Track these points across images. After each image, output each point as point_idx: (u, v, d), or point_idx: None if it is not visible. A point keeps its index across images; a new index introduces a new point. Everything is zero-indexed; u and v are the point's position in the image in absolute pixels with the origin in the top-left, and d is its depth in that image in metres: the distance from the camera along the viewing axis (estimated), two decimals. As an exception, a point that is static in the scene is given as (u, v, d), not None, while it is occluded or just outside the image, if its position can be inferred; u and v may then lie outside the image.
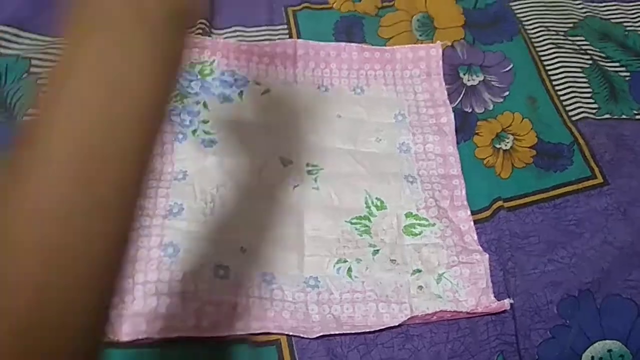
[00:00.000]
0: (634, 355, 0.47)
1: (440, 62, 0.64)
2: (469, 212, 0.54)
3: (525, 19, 0.70)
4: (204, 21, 0.64)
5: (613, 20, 0.72)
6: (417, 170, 0.57)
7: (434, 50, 0.65)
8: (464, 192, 0.55)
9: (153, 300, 0.45)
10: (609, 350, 0.47)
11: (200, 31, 0.63)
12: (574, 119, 0.61)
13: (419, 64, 0.64)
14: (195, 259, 0.48)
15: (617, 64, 0.67)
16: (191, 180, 0.52)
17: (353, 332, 0.46)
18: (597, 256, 0.51)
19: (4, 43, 0.60)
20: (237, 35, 0.65)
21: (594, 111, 0.62)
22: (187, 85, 0.58)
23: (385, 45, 0.66)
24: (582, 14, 0.72)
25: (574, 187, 0.56)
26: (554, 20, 0.71)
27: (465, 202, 0.55)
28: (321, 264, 0.50)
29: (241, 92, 0.59)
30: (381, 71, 0.64)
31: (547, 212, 0.54)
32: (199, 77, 0.59)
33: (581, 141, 0.59)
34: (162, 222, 0.50)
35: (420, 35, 0.67)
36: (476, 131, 0.60)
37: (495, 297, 0.49)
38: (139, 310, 0.45)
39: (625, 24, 0.71)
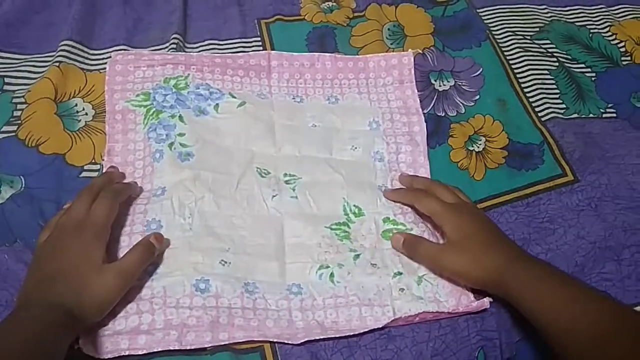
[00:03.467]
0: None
1: (413, 70, 0.65)
2: None
3: (492, 24, 0.72)
4: (176, 36, 0.64)
5: (577, 24, 0.74)
6: (390, 180, 0.57)
7: (406, 59, 0.66)
8: None
9: (135, 319, 0.45)
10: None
11: (174, 46, 0.64)
12: (543, 119, 0.63)
13: (391, 72, 0.65)
14: (175, 274, 0.48)
15: (582, 65, 0.69)
16: (169, 195, 0.52)
17: (337, 336, 0.47)
18: (571, 251, 0.53)
19: (-24, 63, 0.60)
20: (211, 49, 0.65)
21: (562, 111, 0.64)
22: (162, 100, 0.58)
23: (357, 54, 0.67)
24: (547, 19, 0.74)
25: (546, 185, 0.57)
26: (521, 25, 0.73)
27: None
28: (303, 270, 0.51)
29: (217, 104, 0.59)
30: (355, 80, 0.65)
31: (521, 211, 0.56)
32: (174, 90, 0.59)
33: (551, 140, 0.61)
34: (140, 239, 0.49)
35: (392, 44, 0.69)
36: (450, 134, 0.61)
37: (474, 295, 0.50)
38: (120, 329, 0.45)
39: (589, 27, 0.74)
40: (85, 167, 0.54)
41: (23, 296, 0.43)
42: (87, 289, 0.43)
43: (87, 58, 0.62)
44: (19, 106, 0.57)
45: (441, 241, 0.53)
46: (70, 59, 0.61)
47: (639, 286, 0.51)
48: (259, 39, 0.67)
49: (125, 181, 0.53)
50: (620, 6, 0.77)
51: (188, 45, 0.66)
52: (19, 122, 0.56)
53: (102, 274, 0.44)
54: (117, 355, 0.44)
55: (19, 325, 0.39)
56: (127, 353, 0.44)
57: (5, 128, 0.55)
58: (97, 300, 0.43)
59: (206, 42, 0.66)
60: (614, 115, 0.65)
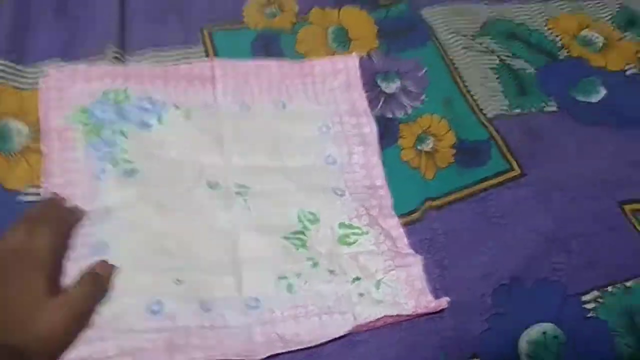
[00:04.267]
0: (566, 335, 0.49)
1: (358, 73, 0.65)
2: (396, 220, 0.55)
3: (435, 25, 0.73)
4: (115, 48, 0.62)
5: (516, 21, 0.76)
6: (345, 182, 0.57)
7: (351, 62, 0.66)
8: (389, 202, 0.56)
9: (85, 349, 0.43)
10: (544, 333, 0.49)
11: (113, 58, 0.61)
12: (488, 116, 0.64)
13: (338, 75, 0.65)
14: (126, 298, 0.46)
15: (523, 61, 0.71)
16: (115, 214, 0.50)
17: (300, 348, 0.46)
18: (523, 244, 0.54)
19: None
20: (152, 59, 0.63)
21: (506, 107, 0.65)
22: (101, 115, 0.56)
23: (303, 58, 0.66)
24: (488, 17, 0.75)
25: (494, 180, 0.58)
26: (462, 24, 0.74)
27: (392, 212, 0.56)
28: (260, 283, 0.49)
29: (160, 116, 0.57)
30: (301, 85, 0.64)
31: (473, 207, 0.56)
32: (113, 104, 0.57)
33: (497, 136, 0.62)
34: (87, 263, 0.47)
35: (337, 47, 0.68)
36: (399, 135, 0.61)
37: (432, 295, 0.50)
38: (71, 359, 0.42)
39: (528, 23, 0.76)
40: (25, 192, 0.51)
41: None
42: (31, 325, 0.40)
43: (20, 75, 0.59)
44: (-53, 130, 0.54)
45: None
46: (1, 77, 0.57)
47: (588, 274, 0.53)
48: (202, 47, 0.66)
49: (67, 204, 0.51)
50: (555, 1, 0.79)
51: (128, 57, 0.63)
52: (-52, 147, 0.52)
53: (46, 308, 0.41)
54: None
55: None
56: (80, 383, 0.42)
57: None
58: (42, 336, 0.40)
59: (147, 53, 0.64)
60: (556, 108, 0.66)
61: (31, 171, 0.53)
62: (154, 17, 0.68)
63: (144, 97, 0.58)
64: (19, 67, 0.60)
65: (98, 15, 0.66)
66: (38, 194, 0.51)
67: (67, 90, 0.57)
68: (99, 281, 0.45)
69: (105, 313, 0.45)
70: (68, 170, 0.53)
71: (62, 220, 0.47)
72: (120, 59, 0.62)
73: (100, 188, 0.52)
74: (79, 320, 0.43)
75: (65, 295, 0.43)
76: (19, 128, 0.55)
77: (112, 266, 0.47)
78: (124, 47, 0.64)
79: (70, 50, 0.62)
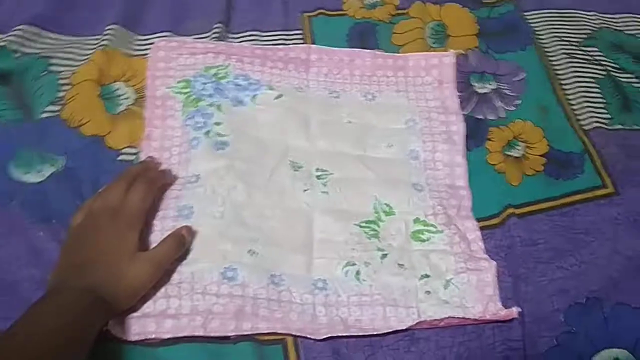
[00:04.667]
0: (641, 365, 0.47)
1: (453, 71, 0.64)
2: (474, 222, 0.54)
3: (538, 28, 0.71)
4: (219, 25, 0.65)
5: (627, 32, 0.72)
6: (425, 178, 0.57)
7: (448, 59, 0.65)
8: (469, 203, 0.55)
9: (162, 302, 0.46)
10: (616, 359, 0.47)
11: (217, 35, 0.64)
12: (585, 128, 0.61)
13: (431, 71, 0.65)
14: (204, 261, 0.48)
15: (630, 75, 0.67)
16: (203, 182, 0.53)
17: (360, 334, 0.46)
18: (606, 265, 0.51)
19: (25, 42, 0.62)
20: (252, 40, 0.66)
21: (606, 121, 0.62)
22: (201, 88, 0.59)
23: (398, 52, 0.66)
24: (596, 25, 0.72)
25: (584, 195, 0.56)
26: (568, 31, 0.71)
27: (471, 214, 0.55)
28: (329, 266, 0.51)
29: (254, 96, 0.60)
30: (393, 78, 0.64)
31: (556, 220, 0.54)
32: (213, 80, 0.60)
33: (592, 150, 0.59)
34: (172, 225, 0.50)
35: (434, 43, 0.68)
36: (488, 137, 0.60)
37: (502, 303, 0.49)
38: (148, 312, 0.46)
39: (639, 36, 0.71)
40: (124, 151, 0.56)
41: (55, 280, 0.43)
42: (121, 276, 0.43)
43: (132, 43, 0.64)
44: (63, 87, 0.58)
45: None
46: (115, 43, 0.62)
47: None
48: (300, 32, 0.68)
49: (161, 167, 0.54)
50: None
51: (230, 35, 0.66)
52: (63, 102, 0.57)
53: (135, 262, 0.44)
54: (143, 338, 0.44)
55: (53, 311, 0.39)
56: (153, 336, 0.44)
57: (49, 108, 0.57)
58: (130, 287, 0.44)
59: (248, 33, 0.67)
60: (662, 129, 0.62)
61: (131, 133, 0.57)
62: (258, 0, 0.70)
63: (241, 75, 0.61)
64: (131, 35, 0.64)
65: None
66: (136, 155, 0.55)
67: (173, 62, 0.61)
68: (181, 244, 0.48)
69: (184, 273, 0.48)
70: (165, 136, 0.57)
71: (155, 182, 0.51)
72: (223, 37, 0.65)
73: (193, 156, 0.55)
74: (160, 273, 0.46)
75: (152, 252, 0.46)
76: (125, 91, 0.60)
77: (194, 232, 0.50)
78: (228, 26, 0.67)
79: (180, 26, 0.66)
